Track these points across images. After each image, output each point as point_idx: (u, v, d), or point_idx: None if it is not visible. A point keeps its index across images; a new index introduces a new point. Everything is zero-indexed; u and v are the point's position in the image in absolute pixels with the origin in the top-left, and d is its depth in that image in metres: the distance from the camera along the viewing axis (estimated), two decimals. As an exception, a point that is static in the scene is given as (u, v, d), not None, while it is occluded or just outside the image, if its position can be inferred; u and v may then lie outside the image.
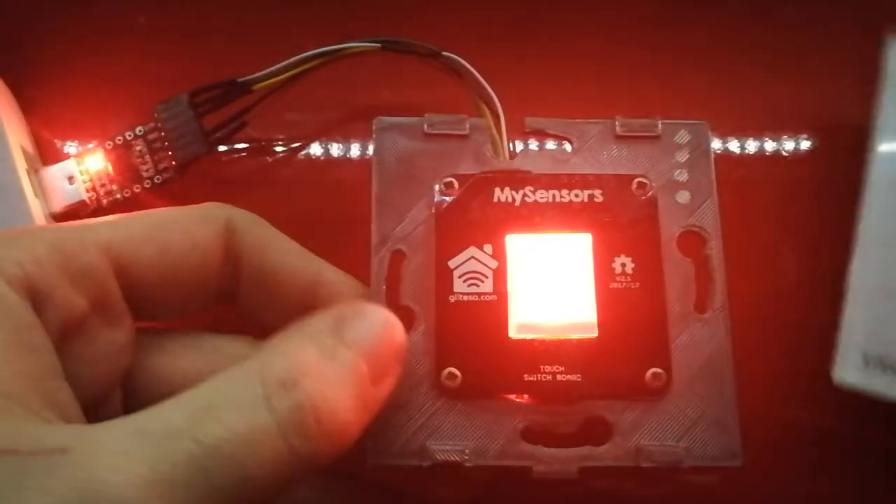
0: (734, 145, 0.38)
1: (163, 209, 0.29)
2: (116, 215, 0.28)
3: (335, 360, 0.24)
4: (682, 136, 0.31)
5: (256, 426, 0.22)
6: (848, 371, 0.32)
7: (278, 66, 0.34)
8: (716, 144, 0.38)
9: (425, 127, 0.31)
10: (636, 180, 0.30)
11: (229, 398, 0.22)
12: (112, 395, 0.28)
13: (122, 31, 0.38)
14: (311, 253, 0.30)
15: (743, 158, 0.38)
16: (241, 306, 0.30)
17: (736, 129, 0.39)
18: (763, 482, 0.33)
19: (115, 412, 0.28)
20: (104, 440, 0.21)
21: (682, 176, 0.30)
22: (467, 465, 0.28)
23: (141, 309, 0.28)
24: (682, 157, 0.31)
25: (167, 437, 0.21)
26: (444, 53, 0.33)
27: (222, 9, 0.39)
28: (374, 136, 0.31)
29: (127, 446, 0.21)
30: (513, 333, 0.29)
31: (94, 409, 0.26)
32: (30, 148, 0.36)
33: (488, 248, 0.29)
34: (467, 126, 0.31)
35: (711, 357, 0.29)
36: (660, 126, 0.31)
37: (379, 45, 0.34)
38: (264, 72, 0.35)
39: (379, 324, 0.26)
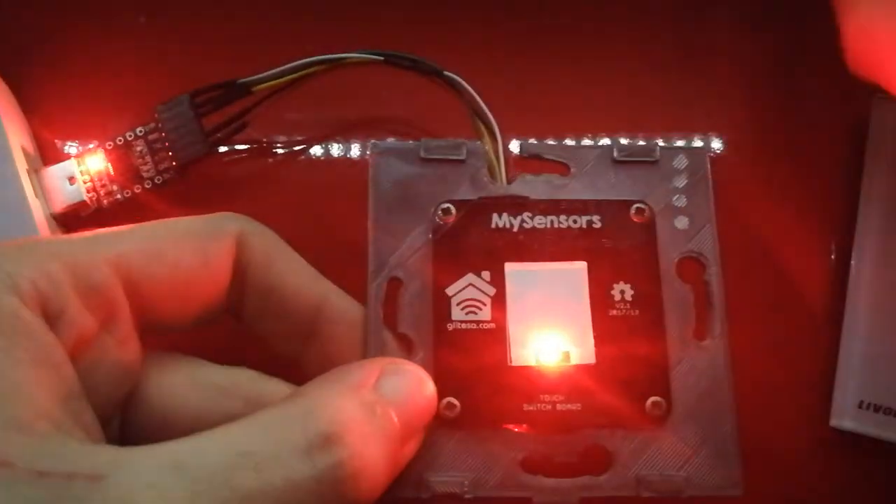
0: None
1: (174, 220, 0.27)
2: (127, 226, 0.26)
3: (375, 418, 0.23)
4: (681, 161, 0.29)
5: (294, 481, 0.21)
6: (843, 418, 0.33)
7: (280, 68, 0.33)
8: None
9: (422, 152, 0.29)
10: (635, 206, 0.29)
11: (269, 447, 0.21)
12: (112, 420, 0.27)
13: (123, 31, 0.36)
14: (318, 273, 0.28)
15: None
16: (246, 320, 0.29)
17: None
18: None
19: (112, 437, 0.27)
20: (140, 470, 0.20)
21: (680, 201, 0.29)
22: (466, 496, 0.27)
23: (148, 324, 0.27)
24: (681, 182, 0.29)
25: (204, 480, 0.20)
26: (446, 73, 0.31)
27: (223, 9, 0.37)
28: (370, 160, 0.29)
29: (163, 481, 0.20)
30: (512, 362, 0.27)
31: None
32: (30, 148, 0.34)
33: (486, 275, 0.28)
34: (464, 151, 0.29)
35: (711, 385, 0.28)
36: (658, 151, 0.29)
37: (382, 58, 0.32)
38: (265, 73, 0.33)
39: (415, 384, 0.25)
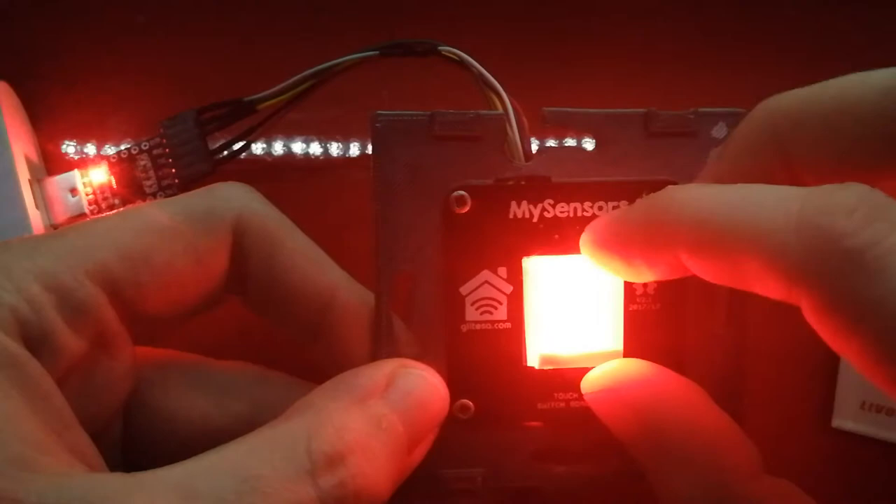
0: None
1: (158, 210, 0.25)
2: (106, 223, 0.25)
3: (381, 431, 0.23)
4: (720, 130, 0.26)
5: (299, 503, 0.20)
6: (846, 419, 0.32)
7: (281, 85, 0.32)
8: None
9: (432, 125, 0.25)
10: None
11: (276, 471, 0.20)
12: (113, 424, 0.25)
13: (130, 39, 0.36)
14: (326, 259, 0.27)
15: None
16: (249, 305, 0.27)
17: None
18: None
19: (114, 441, 0.26)
20: (150, 500, 0.19)
21: None
22: (479, 491, 0.26)
23: (140, 323, 0.25)
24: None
25: None
26: (442, 48, 0.29)
27: (229, 21, 0.37)
28: (372, 136, 0.25)
29: None
30: (528, 362, 0.26)
31: (95, 440, 0.23)
32: (34, 157, 0.33)
33: (502, 271, 0.26)
34: (479, 124, 0.26)
35: (724, 374, 0.26)
36: (694, 118, 0.26)
37: (377, 51, 0.31)
38: (268, 91, 0.32)
39: (426, 390, 0.24)
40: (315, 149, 0.35)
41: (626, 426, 0.24)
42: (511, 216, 0.26)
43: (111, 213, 0.31)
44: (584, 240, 0.24)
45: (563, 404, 0.26)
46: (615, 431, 0.24)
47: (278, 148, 0.35)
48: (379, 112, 0.25)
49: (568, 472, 0.26)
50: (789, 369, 0.33)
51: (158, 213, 0.25)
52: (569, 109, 0.26)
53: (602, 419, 0.25)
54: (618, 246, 0.23)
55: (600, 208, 0.26)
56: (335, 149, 0.35)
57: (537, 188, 0.26)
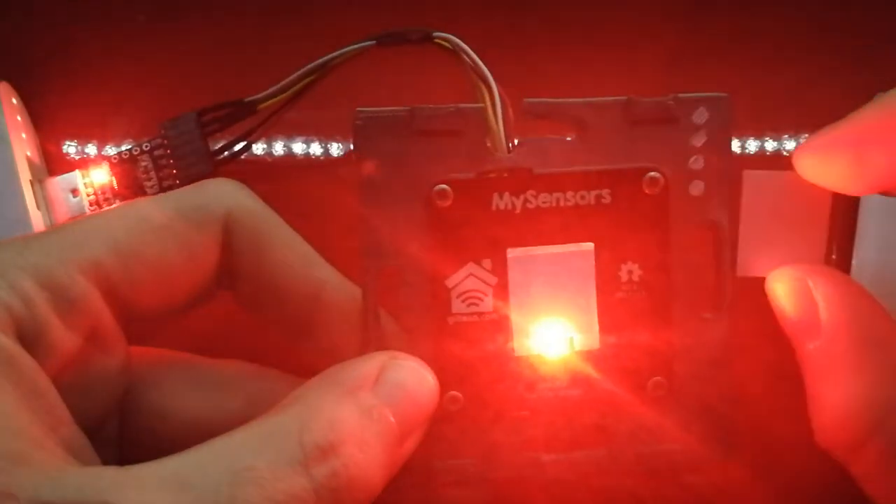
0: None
1: (151, 207, 0.26)
2: (98, 219, 0.25)
3: (372, 422, 0.23)
4: (701, 115, 0.26)
5: (294, 494, 0.21)
6: None
7: (281, 84, 0.31)
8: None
9: (413, 120, 0.25)
10: (647, 175, 0.26)
11: (269, 461, 0.20)
12: (108, 421, 0.26)
13: (131, 39, 0.36)
14: (315, 256, 0.27)
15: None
16: (240, 301, 0.27)
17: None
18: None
19: (111, 440, 0.26)
20: (145, 492, 0.19)
21: (697, 164, 0.26)
22: (471, 482, 0.26)
23: (133, 318, 0.25)
24: (699, 140, 0.26)
25: (210, 499, 0.20)
26: (436, 34, 0.28)
27: (230, 20, 0.37)
28: (353, 133, 0.25)
29: (169, 502, 0.19)
30: (515, 351, 0.26)
31: (91, 438, 0.23)
32: (36, 157, 0.33)
33: (487, 263, 0.26)
34: (460, 117, 0.25)
35: (713, 358, 0.26)
36: (675, 104, 0.26)
37: (374, 42, 0.30)
38: (268, 91, 0.32)
39: (416, 381, 0.24)
40: (315, 149, 0.36)
41: None
42: (494, 208, 0.26)
43: (103, 209, 0.31)
44: (811, 144, 0.25)
45: (551, 394, 0.26)
46: None
47: (279, 148, 0.36)
48: (360, 109, 0.25)
49: (558, 461, 0.26)
50: (788, 368, 0.33)
51: (150, 208, 0.26)
52: (549, 100, 0.26)
53: None
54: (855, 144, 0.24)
55: (582, 198, 0.26)
56: (335, 149, 0.35)
57: (519, 180, 0.26)
